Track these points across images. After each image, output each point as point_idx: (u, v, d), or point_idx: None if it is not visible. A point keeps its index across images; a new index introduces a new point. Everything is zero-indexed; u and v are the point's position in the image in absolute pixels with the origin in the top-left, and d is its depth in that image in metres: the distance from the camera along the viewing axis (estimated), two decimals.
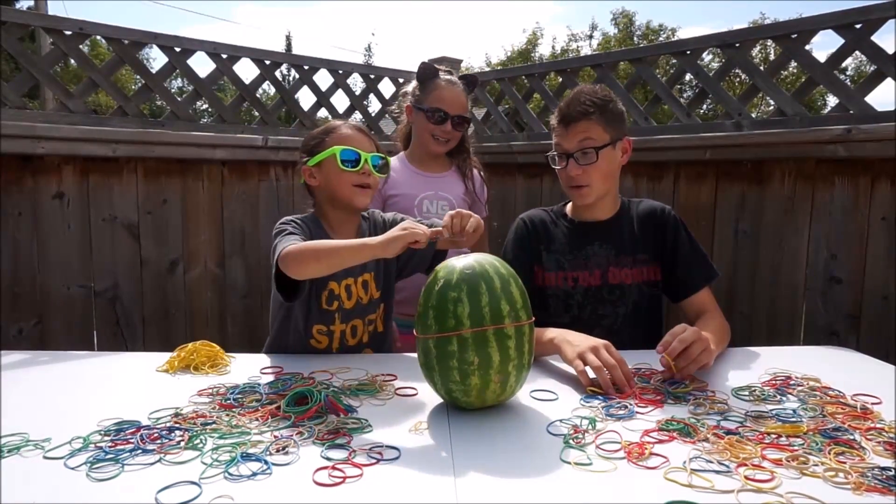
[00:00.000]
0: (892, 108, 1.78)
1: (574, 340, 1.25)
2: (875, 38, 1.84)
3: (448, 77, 1.97)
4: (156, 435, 0.91)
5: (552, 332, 1.32)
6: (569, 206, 1.67)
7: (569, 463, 0.84)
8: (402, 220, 1.60)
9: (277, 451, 0.87)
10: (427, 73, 1.97)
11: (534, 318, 1.05)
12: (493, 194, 2.37)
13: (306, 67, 2.71)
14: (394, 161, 2.01)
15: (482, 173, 2.10)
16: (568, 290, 1.56)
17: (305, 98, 2.81)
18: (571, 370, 1.22)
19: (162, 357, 1.34)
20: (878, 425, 0.95)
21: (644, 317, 1.57)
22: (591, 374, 1.16)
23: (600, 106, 1.50)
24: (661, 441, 0.91)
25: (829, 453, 0.85)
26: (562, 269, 1.57)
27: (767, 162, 2.00)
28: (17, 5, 14.48)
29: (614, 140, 1.53)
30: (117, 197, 2.18)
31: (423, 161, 2.00)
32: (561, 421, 0.99)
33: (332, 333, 1.46)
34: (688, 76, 2.36)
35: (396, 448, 0.88)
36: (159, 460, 0.84)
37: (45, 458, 0.85)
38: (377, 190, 1.52)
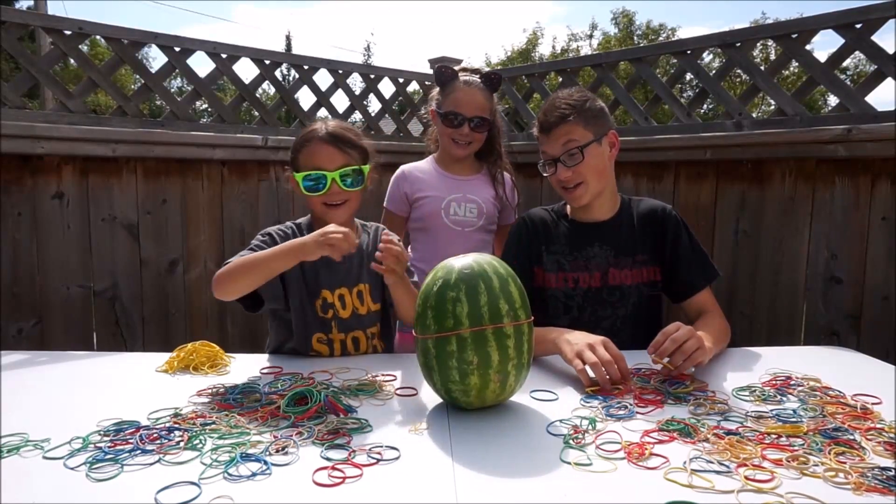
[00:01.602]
0: (893, 108, 1.78)
1: (573, 339, 1.25)
2: (875, 37, 1.85)
3: (466, 78, 1.89)
4: (155, 435, 0.91)
5: (553, 332, 1.33)
6: (569, 206, 1.67)
7: (569, 463, 0.84)
8: (383, 231, 1.57)
9: (277, 451, 0.87)
10: (444, 76, 1.90)
11: (532, 318, 1.05)
12: None
13: (306, 67, 2.71)
14: (424, 163, 1.99)
15: (513, 177, 2.04)
16: (568, 291, 1.56)
17: (305, 98, 2.81)
18: (572, 370, 1.22)
19: (161, 357, 1.34)
20: (878, 425, 0.95)
21: (644, 317, 1.56)
22: (591, 373, 1.16)
23: (577, 107, 1.51)
24: (661, 441, 0.91)
25: (830, 453, 0.85)
26: (562, 270, 1.56)
27: (767, 162, 2.00)
28: (17, 5, 14.49)
29: (598, 136, 1.53)
30: (117, 197, 2.18)
31: (449, 164, 1.95)
32: (561, 421, 0.99)
33: (331, 343, 1.44)
34: (688, 76, 2.37)
35: (396, 448, 0.88)
36: (159, 461, 0.84)
37: (45, 458, 0.85)
38: (353, 205, 1.49)
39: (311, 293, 1.44)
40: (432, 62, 3.09)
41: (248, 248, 1.39)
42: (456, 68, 1.92)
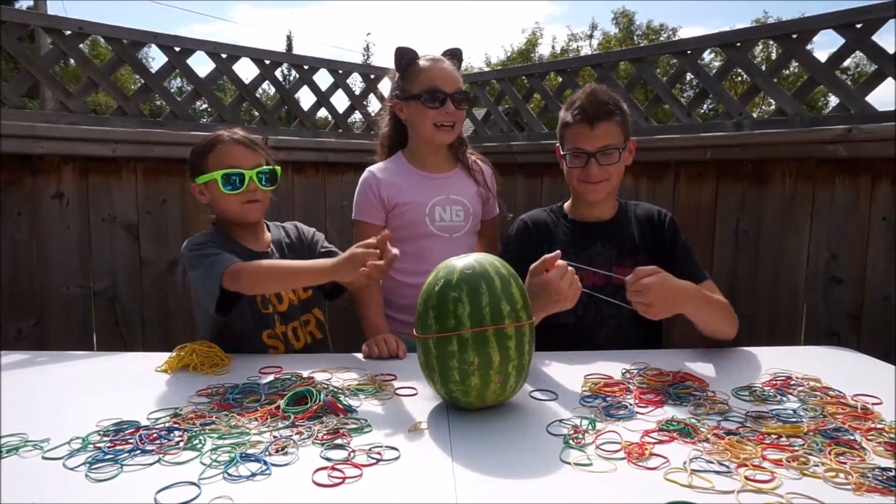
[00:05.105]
0: (893, 108, 1.78)
1: (539, 303, 1.20)
2: (875, 37, 1.84)
3: (431, 56, 1.72)
4: (155, 435, 0.91)
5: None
6: (567, 206, 1.66)
7: (569, 463, 0.84)
8: (316, 237, 1.66)
9: (277, 451, 0.87)
10: (405, 58, 1.70)
11: (533, 319, 1.04)
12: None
13: (306, 67, 2.71)
14: (391, 163, 1.79)
15: (488, 164, 1.88)
16: None
17: (305, 98, 2.81)
18: (571, 370, 1.24)
19: (161, 357, 1.34)
20: (878, 426, 0.95)
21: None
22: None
23: (619, 106, 1.53)
24: (661, 441, 0.91)
25: (830, 454, 0.85)
26: None
27: (768, 162, 2.00)
28: (17, 5, 14.48)
29: (627, 140, 1.56)
30: (117, 197, 2.18)
31: (427, 160, 1.76)
32: (561, 421, 0.99)
33: (277, 337, 1.51)
34: (688, 76, 2.36)
35: (396, 448, 0.88)
36: (158, 461, 0.84)
37: (44, 458, 0.85)
38: (266, 205, 1.53)
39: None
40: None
41: (213, 255, 1.39)
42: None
